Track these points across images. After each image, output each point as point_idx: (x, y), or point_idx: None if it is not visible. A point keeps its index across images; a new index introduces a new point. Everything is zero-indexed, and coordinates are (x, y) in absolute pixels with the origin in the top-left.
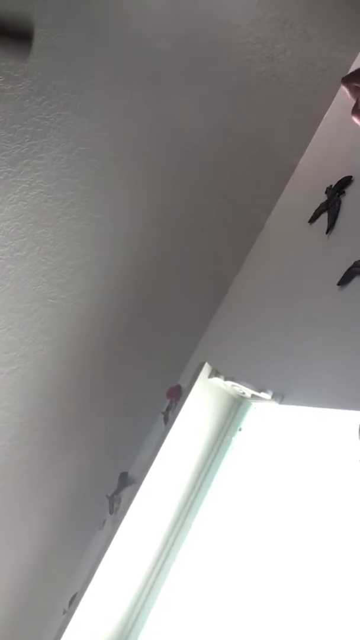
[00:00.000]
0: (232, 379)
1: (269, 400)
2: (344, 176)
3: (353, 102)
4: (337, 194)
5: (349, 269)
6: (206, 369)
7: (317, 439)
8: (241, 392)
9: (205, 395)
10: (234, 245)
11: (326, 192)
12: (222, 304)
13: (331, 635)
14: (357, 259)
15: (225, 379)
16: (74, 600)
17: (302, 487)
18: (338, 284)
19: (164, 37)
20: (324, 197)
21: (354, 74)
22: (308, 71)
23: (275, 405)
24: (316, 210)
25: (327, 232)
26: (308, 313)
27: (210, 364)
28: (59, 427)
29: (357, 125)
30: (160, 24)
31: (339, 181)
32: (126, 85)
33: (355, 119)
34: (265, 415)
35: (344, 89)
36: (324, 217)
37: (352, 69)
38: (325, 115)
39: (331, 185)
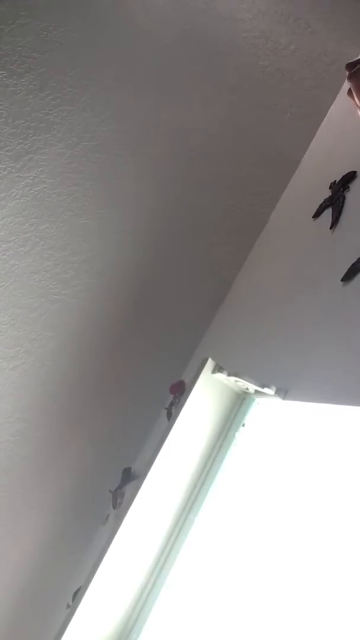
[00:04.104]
0: (236, 375)
1: (272, 395)
2: (348, 171)
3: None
4: (342, 189)
5: (353, 265)
6: (209, 364)
7: (320, 435)
8: (244, 387)
9: (209, 391)
10: (238, 240)
11: (330, 188)
12: (226, 300)
13: (332, 635)
14: None
15: (229, 374)
16: (77, 595)
17: (306, 483)
18: (342, 280)
19: (167, 31)
20: (328, 193)
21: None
22: (312, 65)
23: (278, 400)
24: (320, 205)
25: (331, 228)
26: (312, 309)
27: (213, 359)
28: (62, 422)
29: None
30: (163, 18)
31: (343, 176)
32: (129, 80)
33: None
34: (269, 410)
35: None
36: (328, 213)
37: None
38: (329, 110)
39: (335, 181)
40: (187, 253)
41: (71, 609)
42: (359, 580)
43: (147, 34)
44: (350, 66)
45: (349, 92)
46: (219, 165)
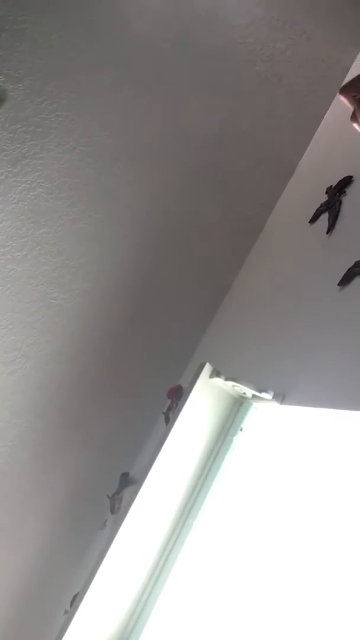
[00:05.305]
0: (233, 379)
1: (270, 400)
2: (344, 176)
3: (351, 109)
4: (338, 194)
5: (350, 269)
6: (207, 369)
7: (318, 440)
8: (242, 392)
9: (206, 396)
10: (235, 245)
11: (327, 192)
12: (223, 304)
13: (331, 635)
14: (357, 259)
15: (226, 379)
16: (75, 601)
17: (304, 487)
18: (338, 284)
19: (164, 37)
20: (324, 197)
21: (351, 83)
22: (308, 71)
23: (276, 405)
24: (317, 210)
25: (327, 232)
26: (309, 313)
27: (211, 364)
28: (59, 427)
29: (356, 131)
30: (160, 24)
31: (340, 181)
32: (126, 84)
33: (355, 126)
34: (266, 415)
35: (342, 99)
36: (324, 217)
37: (352, 69)
38: (325, 115)
39: (332, 185)
40: (184, 257)
41: (69, 614)
42: (358, 583)
43: (145, 39)
44: (344, 89)
45: (353, 117)
46: (215, 169)
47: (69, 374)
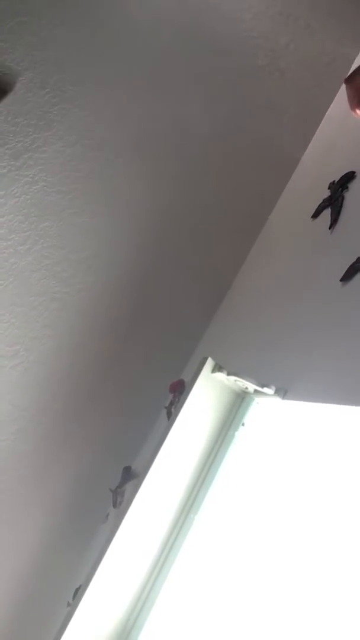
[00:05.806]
0: (235, 374)
1: (272, 395)
2: (347, 171)
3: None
4: (340, 189)
5: (352, 265)
6: (209, 363)
7: (320, 435)
8: (244, 387)
9: (208, 390)
10: (237, 240)
11: (329, 188)
12: (225, 299)
13: (331, 634)
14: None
15: (228, 373)
16: (78, 593)
17: (305, 482)
18: (341, 280)
19: (167, 31)
20: (327, 193)
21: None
22: (311, 65)
23: (278, 400)
24: (319, 205)
25: (330, 228)
26: (311, 308)
27: (213, 358)
28: (62, 421)
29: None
30: (163, 17)
31: (342, 176)
32: (129, 78)
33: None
34: (268, 410)
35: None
36: (326, 213)
37: (356, 63)
38: (328, 110)
39: (334, 181)
40: (186, 252)
41: (71, 607)
42: (358, 579)
43: (147, 33)
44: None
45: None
46: (217, 164)
47: (72, 368)
